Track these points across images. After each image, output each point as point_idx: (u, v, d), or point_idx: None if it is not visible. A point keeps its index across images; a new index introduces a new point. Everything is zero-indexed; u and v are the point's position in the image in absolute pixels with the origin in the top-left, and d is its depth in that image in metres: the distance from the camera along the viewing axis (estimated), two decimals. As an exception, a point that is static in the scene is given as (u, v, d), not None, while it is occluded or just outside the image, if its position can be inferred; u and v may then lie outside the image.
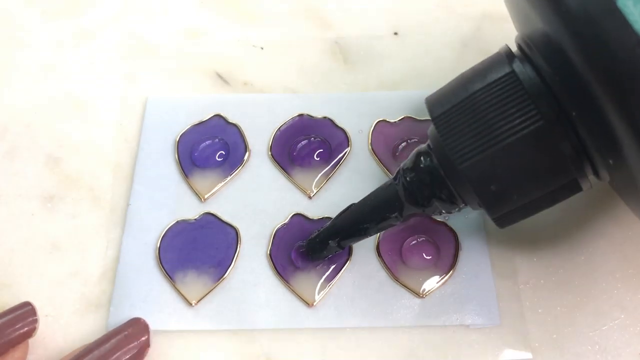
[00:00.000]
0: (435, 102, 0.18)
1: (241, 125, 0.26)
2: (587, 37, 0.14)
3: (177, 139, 0.25)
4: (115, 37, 0.29)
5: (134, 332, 0.20)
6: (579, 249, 0.23)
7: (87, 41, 0.29)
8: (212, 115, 0.26)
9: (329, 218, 0.23)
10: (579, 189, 0.17)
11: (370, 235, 0.21)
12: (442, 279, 0.22)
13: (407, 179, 0.19)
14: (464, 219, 0.23)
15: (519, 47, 0.18)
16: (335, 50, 0.28)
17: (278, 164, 0.25)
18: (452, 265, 0.22)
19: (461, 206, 0.19)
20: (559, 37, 0.15)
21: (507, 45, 0.18)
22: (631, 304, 0.22)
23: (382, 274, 0.22)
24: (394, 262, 0.22)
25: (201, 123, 0.26)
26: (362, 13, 0.29)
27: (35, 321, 0.20)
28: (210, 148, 0.25)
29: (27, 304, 0.21)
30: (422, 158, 0.19)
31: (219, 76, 0.28)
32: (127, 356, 0.20)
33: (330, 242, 0.21)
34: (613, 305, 0.22)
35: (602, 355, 0.21)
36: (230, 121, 0.26)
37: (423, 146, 0.19)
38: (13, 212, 0.24)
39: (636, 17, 0.13)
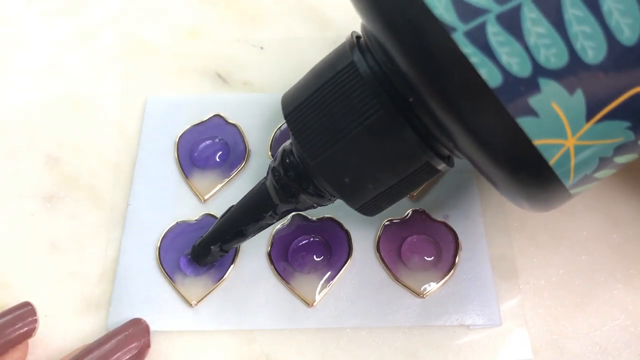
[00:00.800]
0: (287, 100, 0.18)
1: (241, 125, 0.26)
2: (395, 27, 0.14)
3: (177, 139, 0.25)
4: (115, 37, 0.29)
5: (135, 333, 0.20)
6: (579, 249, 0.23)
7: (87, 41, 0.29)
8: (212, 115, 0.26)
9: (330, 218, 0.23)
10: (435, 171, 0.17)
11: (250, 237, 0.21)
12: (442, 279, 0.22)
13: (276, 176, 0.19)
14: (464, 219, 0.23)
15: (362, 35, 0.18)
16: (335, 50, 0.28)
17: (278, 164, 0.25)
18: (452, 265, 0.22)
19: (331, 198, 0.19)
20: (371, 27, 0.15)
21: (353, 33, 0.18)
22: (631, 304, 0.22)
23: (382, 274, 0.22)
24: (394, 262, 0.22)
25: (201, 123, 0.26)
26: (362, 13, 0.29)
27: (35, 321, 0.20)
28: (210, 148, 0.25)
29: (27, 304, 0.21)
30: (286, 156, 0.19)
31: (219, 76, 0.28)
32: (128, 356, 0.20)
33: (212, 247, 0.21)
34: (613, 305, 0.22)
35: (602, 356, 0.21)
36: (230, 121, 0.26)
37: (287, 143, 0.19)
38: (13, 212, 0.24)
39: (435, 2, 0.13)
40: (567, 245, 0.23)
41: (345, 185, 0.17)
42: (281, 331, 0.21)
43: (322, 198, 0.19)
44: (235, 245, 0.22)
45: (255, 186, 0.20)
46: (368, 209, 0.18)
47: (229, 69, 0.28)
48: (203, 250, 0.21)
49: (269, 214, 0.20)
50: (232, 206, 0.21)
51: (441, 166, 0.17)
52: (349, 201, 0.18)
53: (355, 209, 0.18)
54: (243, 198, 0.21)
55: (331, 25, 0.29)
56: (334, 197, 0.19)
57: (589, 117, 0.13)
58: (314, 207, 0.20)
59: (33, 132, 0.26)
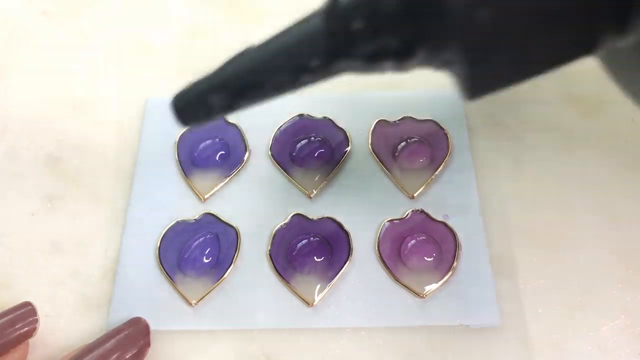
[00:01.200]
0: None
1: (241, 125, 0.26)
2: None
3: (177, 139, 0.25)
4: (115, 37, 0.29)
5: (134, 332, 0.20)
6: (579, 249, 0.23)
7: (87, 41, 0.29)
8: (212, 115, 0.26)
9: (330, 218, 0.23)
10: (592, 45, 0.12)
11: (271, 96, 0.14)
12: (442, 279, 0.22)
13: (344, 2, 0.12)
14: (464, 219, 0.23)
15: None
16: (335, 50, 0.28)
17: (278, 164, 0.25)
18: (452, 265, 0.22)
19: (415, 63, 0.12)
20: None
21: None
22: (631, 304, 0.22)
23: (382, 274, 0.22)
24: (394, 262, 0.22)
25: (201, 123, 0.26)
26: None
27: (36, 321, 0.20)
28: (210, 148, 0.25)
29: (27, 304, 0.21)
30: None
31: (219, 76, 0.28)
32: (127, 356, 0.20)
33: (212, 96, 0.14)
34: (613, 305, 0.22)
35: (602, 356, 0.21)
36: (230, 121, 0.26)
37: None
38: (13, 212, 0.24)
39: None
40: (567, 245, 0.23)
41: (484, 20, 0.11)
42: (281, 331, 0.21)
43: (405, 58, 0.12)
44: (246, 106, 0.15)
45: (301, 20, 0.13)
46: (482, 82, 0.13)
47: (229, 69, 0.28)
48: (198, 100, 0.14)
49: (315, 63, 0.13)
50: (250, 47, 0.14)
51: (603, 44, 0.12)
52: (473, 61, 0.12)
53: (468, 88, 0.13)
54: (275, 36, 0.14)
55: (331, 25, 0.29)
56: (421, 60, 0.12)
57: None
58: (383, 71, 0.13)
59: (33, 132, 0.26)
